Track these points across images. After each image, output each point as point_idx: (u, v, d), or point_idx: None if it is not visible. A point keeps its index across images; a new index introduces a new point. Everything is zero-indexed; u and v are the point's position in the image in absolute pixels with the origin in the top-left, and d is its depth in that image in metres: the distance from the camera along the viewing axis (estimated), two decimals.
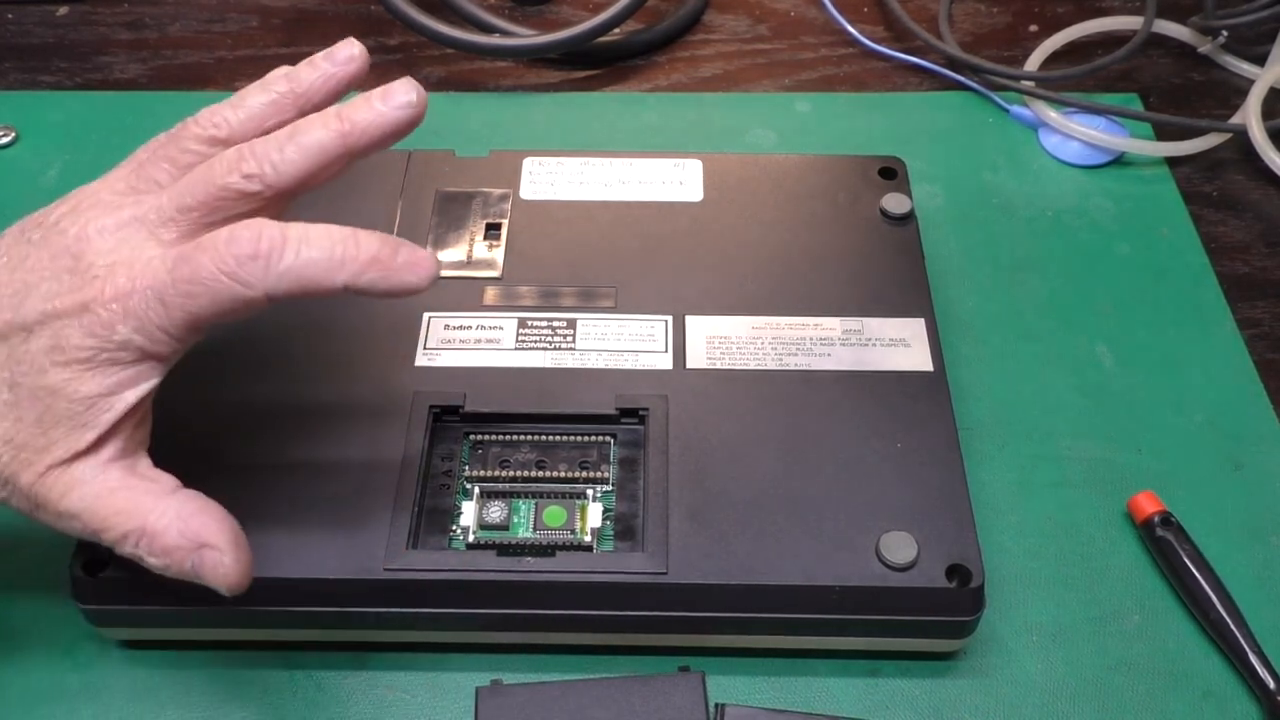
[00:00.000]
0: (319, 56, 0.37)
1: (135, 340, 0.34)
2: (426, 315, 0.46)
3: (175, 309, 0.34)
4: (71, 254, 0.35)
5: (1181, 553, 0.42)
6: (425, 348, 0.45)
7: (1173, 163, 0.59)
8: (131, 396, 0.34)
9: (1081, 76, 0.62)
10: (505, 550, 0.39)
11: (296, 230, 0.34)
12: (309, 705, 0.40)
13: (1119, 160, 0.59)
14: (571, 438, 0.42)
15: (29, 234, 0.37)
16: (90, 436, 0.34)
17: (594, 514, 0.40)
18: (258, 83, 0.37)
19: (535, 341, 0.45)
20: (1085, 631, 0.42)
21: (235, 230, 0.34)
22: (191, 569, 0.34)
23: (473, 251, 0.48)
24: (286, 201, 0.37)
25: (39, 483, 0.34)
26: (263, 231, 0.33)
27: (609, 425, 0.43)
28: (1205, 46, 0.64)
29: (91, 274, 0.34)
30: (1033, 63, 0.62)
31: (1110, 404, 0.49)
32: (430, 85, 0.64)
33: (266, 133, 0.36)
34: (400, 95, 0.36)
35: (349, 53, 0.37)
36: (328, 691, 0.40)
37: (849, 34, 0.65)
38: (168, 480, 0.36)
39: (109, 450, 0.35)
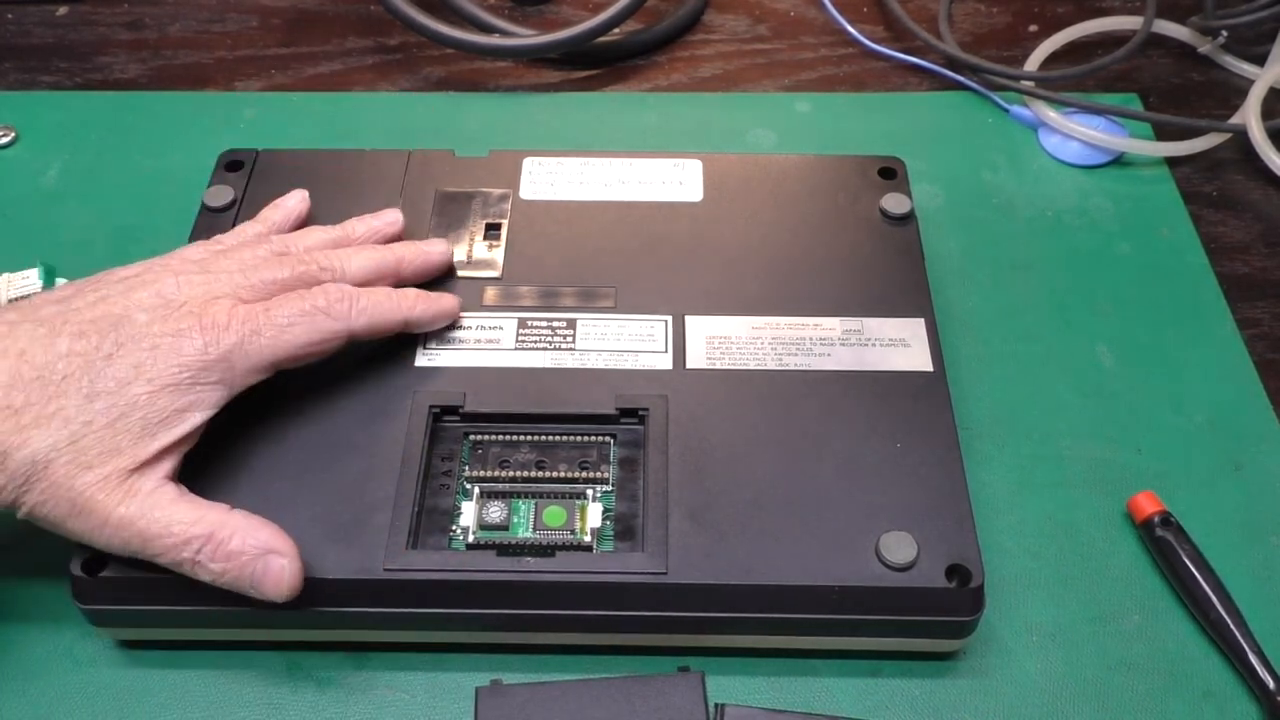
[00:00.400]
0: (367, 216, 0.47)
1: (219, 368, 0.38)
2: None
3: (268, 341, 0.39)
4: (160, 295, 0.39)
5: (1181, 553, 0.42)
6: (425, 348, 0.45)
7: (1172, 163, 0.59)
8: (199, 417, 0.38)
9: (1081, 76, 0.62)
10: (505, 550, 0.39)
11: (359, 289, 0.42)
12: (309, 705, 0.40)
13: (1119, 160, 0.59)
14: (571, 438, 0.42)
15: (103, 287, 0.40)
16: (155, 447, 0.37)
17: (594, 514, 0.40)
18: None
19: (535, 341, 0.45)
20: (1085, 631, 0.42)
21: (323, 284, 0.41)
22: (251, 576, 0.37)
23: (472, 251, 0.48)
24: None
25: (99, 485, 0.36)
26: (341, 285, 0.42)
27: (609, 425, 0.43)
28: (1205, 46, 0.64)
29: (186, 309, 0.39)
30: (1033, 63, 0.62)
31: (1110, 404, 0.49)
32: (430, 85, 0.64)
33: None
34: (437, 247, 0.47)
35: (392, 217, 0.47)
36: (328, 691, 0.40)
37: (849, 34, 0.65)
38: (219, 503, 0.38)
39: (166, 465, 0.38)
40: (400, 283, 0.45)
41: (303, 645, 0.41)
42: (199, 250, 0.43)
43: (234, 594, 0.38)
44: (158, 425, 0.37)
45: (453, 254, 0.47)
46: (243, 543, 0.37)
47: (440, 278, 0.47)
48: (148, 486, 0.37)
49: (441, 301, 0.44)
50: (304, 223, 0.48)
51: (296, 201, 0.48)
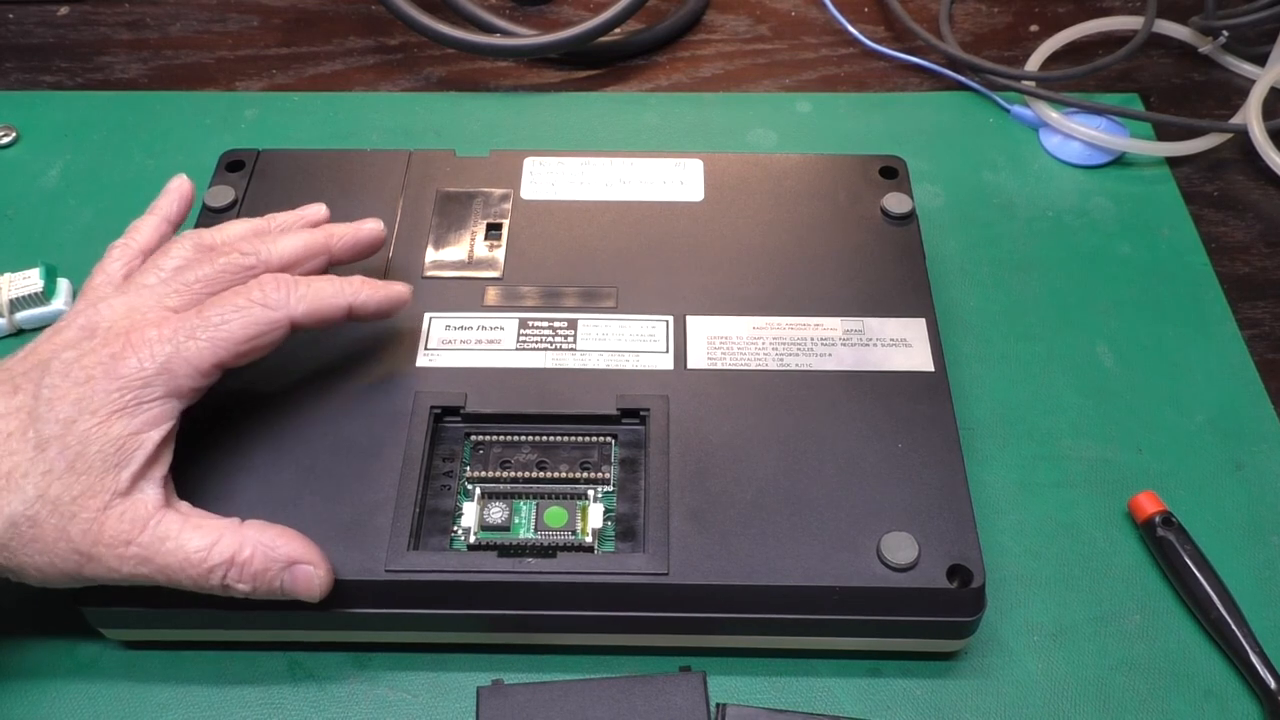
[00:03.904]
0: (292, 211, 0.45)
1: (161, 381, 0.37)
2: (427, 316, 0.46)
3: (205, 342, 0.37)
4: (85, 329, 0.38)
5: (1182, 552, 0.42)
6: (426, 348, 0.45)
7: (1173, 163, 0.59)
8: (156, 435, 0.37)
9: (1082, 76, 0.62)
10: (506, 551, 0.39)
11: (301, 276, 0.40)
12: (309, 705, 0.40)
13: (1119, 160, 0.59)
14: (572, 438, 0.42)
15: (33, 342, 0.39)
16: (126, 476, 0.36)
17: (595, 514, 0.40)
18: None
19: (536, 342, 0.45)
20: (1086, 631, 0.42)
21: (259, 277, 0.39)
22: (282, 588, 0.37)
23: (473, 251, 0.48)
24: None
25: (94, 531, 0.35)
26: (278, 275, 0.40)
27: (610, 426, 0.43)
28: (1206, 46, 0.64)
29: (113, 333, 0.38)
30: (1033, 63, 0.62)
31: (1110, 404, 0.49)
32: (430, 85, 0.64)
33: None
34: (369, 223, 0.44)
35: (316, 208, 0.45)
36: (328, 691, 0.40)
37: (849, 34, 0.65)
38: (226, 518, 0.37)
39: (152, 491, 0.36)
40: (333, 260, 0.43)
41: (304, 646, 0.41)
42: (118, 264, 0.41)
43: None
44: (118, 455, 0.36)
45: (383, 230, 0.44)
46: (266, 560, 0.36)
47: (441, 278, 0.47)
48: (145, 517, 0.36)
49: (390, 288, 0.42)
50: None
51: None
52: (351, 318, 0.41)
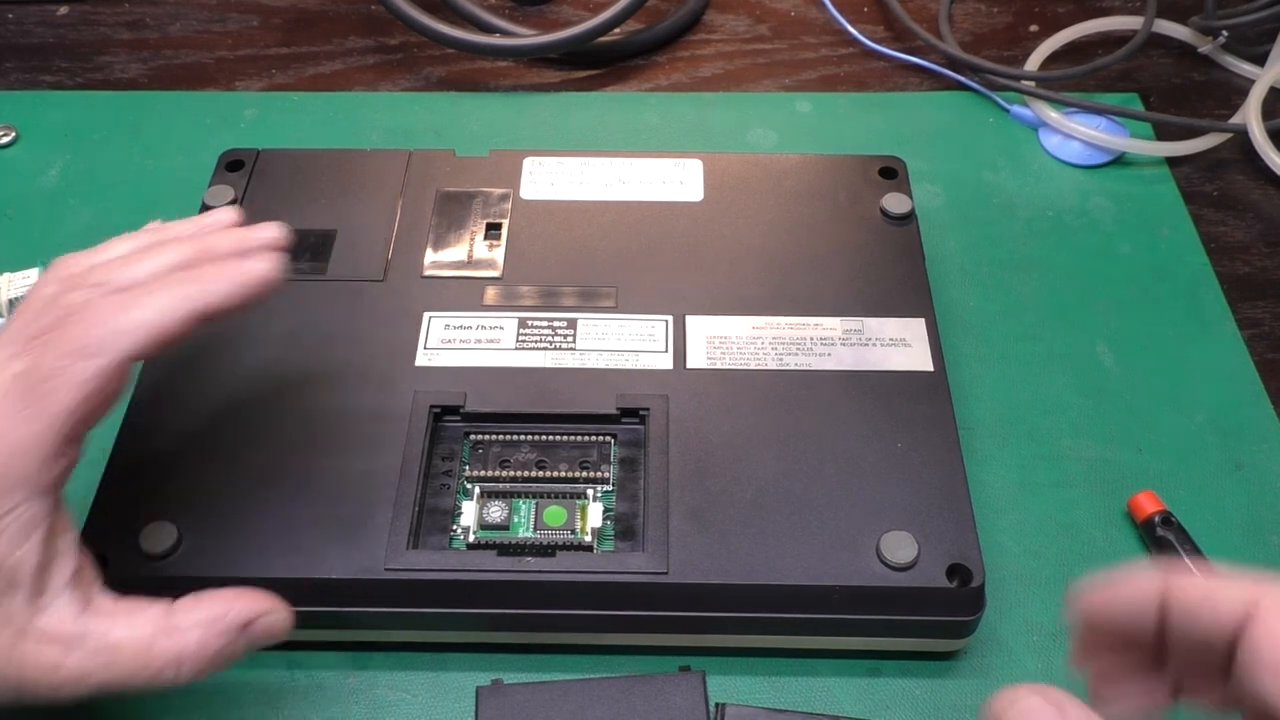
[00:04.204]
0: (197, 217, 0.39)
1: (5, 483, 0.31)
2: (427, 315, 0.46)
3: (38, 423, 0.31)
4: None
5: (1182, 552, 0.42)
6: (425, 347, 0.45)
7: (1173, 163, 0.59)
8: (32, 547, 0.31)
9: (1082, 76, 0.62)
10: (506, 550, 0.39)
11: (122, 296, 0.33)
12: (309, 705, 0.40)
13: (1119, 160, 0.59)
14: (572, 437, 0.42)
15: None
16: (20, 600, 0.31)
17: (594, 514, 0.40)
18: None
19: (535, 341, 0.45)
20: None
21: (65, 321, 0.33)
22: (245, 649, 0.34)
23: (473, 251, 0.48)
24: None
25: (17, 665, 0.31)
26: (88, 307, 0.33)
27: (609, 425, 0.43)
28: (1205, 46, 0.64)
29: None
30: (1033, 63, 0.62)
31: (1110, 404, 0.49)
32: (430, 85, 0.64)
33: None
34: (264, 228, 0.37)
35: (221, 215, 0.39)
36: (328, 691, 0.40)
37: (849, 34, 0.65)
38: (152, 603, 0.33)
39: (63, 604, 0.32)
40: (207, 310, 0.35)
41: (303, 645, 0.41)
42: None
43: None
44: None
45: (285, 237, 0.37)
46: (219, 637, 0.33)
47: (441, 278, 0.47)
48: (64, 637, 0.31)
49: (241, 268, 0.34)
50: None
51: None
52: (213, 320, 0.34)
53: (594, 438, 0.42)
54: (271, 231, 0.37)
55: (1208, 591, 0.25)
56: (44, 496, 0.32)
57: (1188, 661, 0.26)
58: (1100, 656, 0.28)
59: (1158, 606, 0.26)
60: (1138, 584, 0.26)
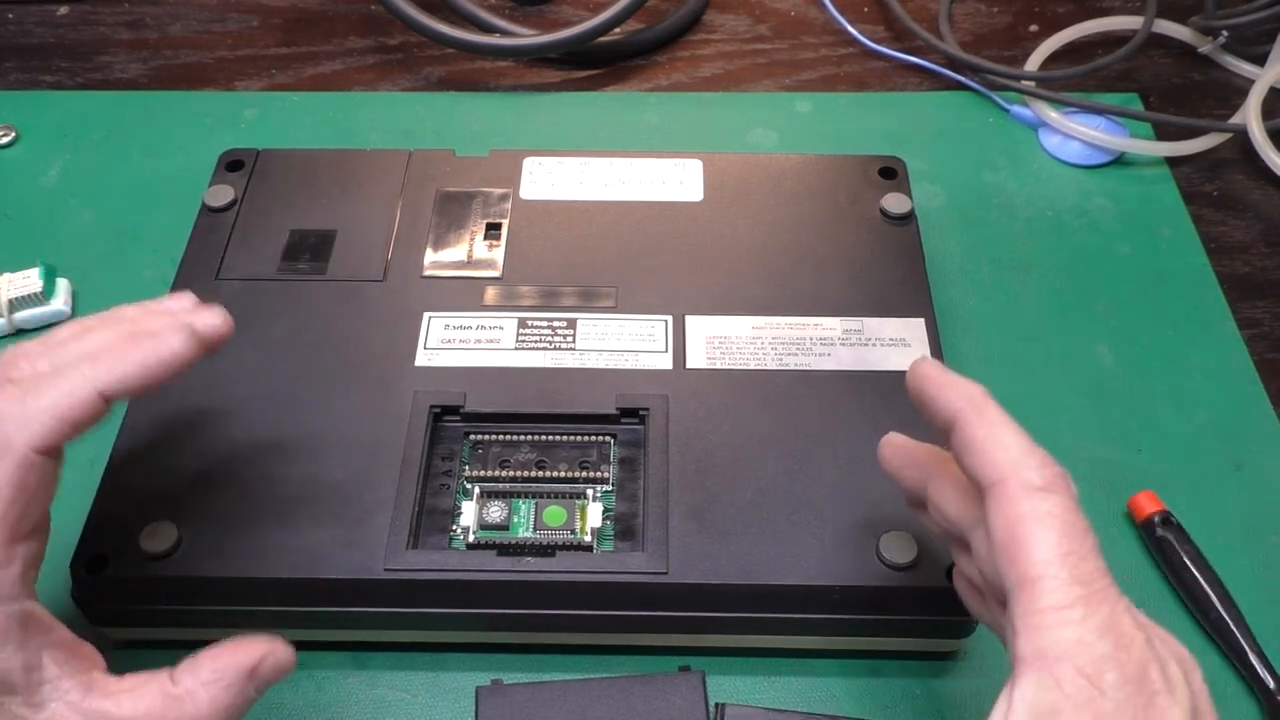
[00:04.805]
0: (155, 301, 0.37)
1: None
2: (426, 315, 0.46)
3: None
4: None
5: (1181, 553, 0.42)
6: (425, 347, 0.45)
7: (1173, 163, 0.59)
8: (12, 644, 0.31)
9: (1081, 76, 0.62)
10: (505, 550, 0.39)
11: (19, 388, 0.32)
12: (309, 705, 0.40)
13: (1119, 160, 0.59)
14: (571, 437, 0.42)
15: None
16: (17, 698, 0.31)
17: (594, 514, 0.40)
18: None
19: (535, 341, 0.45)
20: None
21: None
22: (257, 691, 0.33)
23: (473, 251, 0.48)
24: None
25: None
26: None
27: (609, 425, 0.43)
28: (1205, 46, 0.64)
29: None
30: (1033, 63, 0.62)
31: (1110, 404, 0.49)
32: (430, 85, 0.64)
33: None
34: (208, 315, 0.35)
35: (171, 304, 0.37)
36: (328, 691, 0.40)
37: (849, 34, 0.65)
38: (154, 675, 0.33)
39: (60, 690, 0.31)
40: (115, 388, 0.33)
41: (303, 645, 0.41)
42: None
43: (233, 594, 0.38)
44: None
45: (224, 322, 0.36)
46: (229, 693, 0.32)
47: (440, 278, 0.47)
48: (73, 718, 0.31)
49: (150, 346, 0.33)
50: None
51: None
52: (120, 399, 0.33)
53: (594, 438, 0.42)
54: (210, 318, 0.36)
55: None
56: (5, 603, 0.31)
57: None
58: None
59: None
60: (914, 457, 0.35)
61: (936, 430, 0.32)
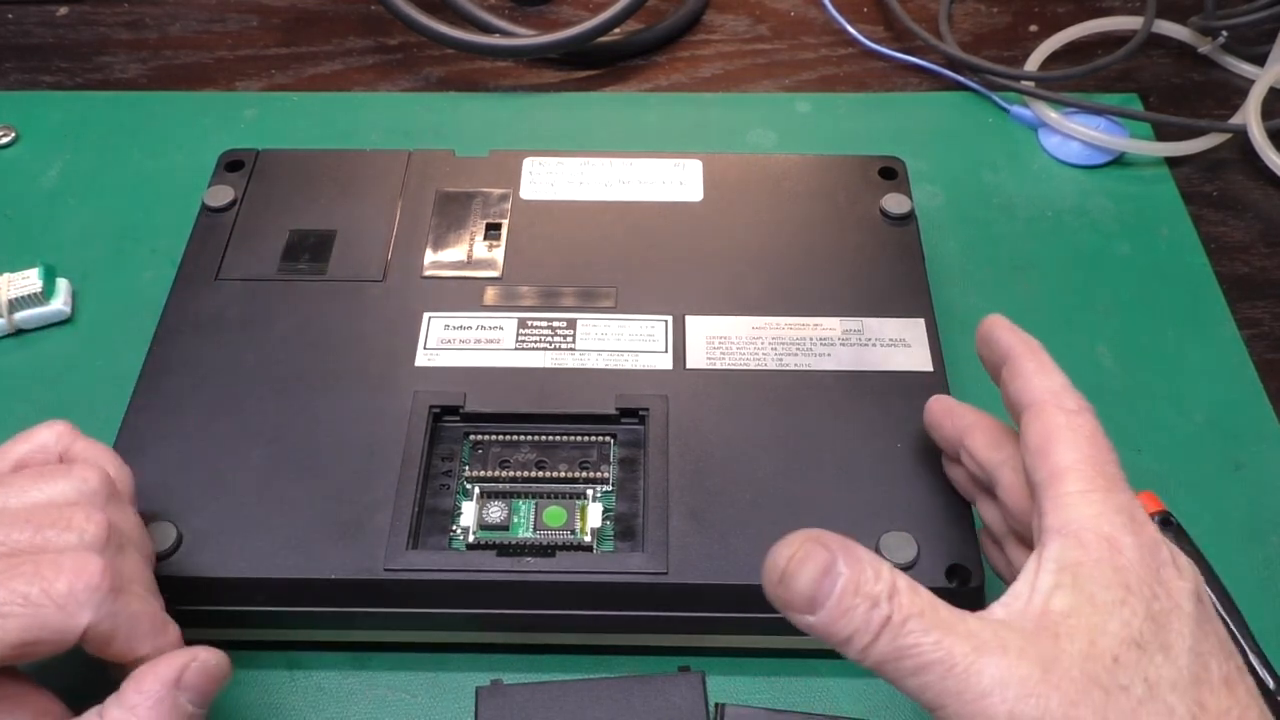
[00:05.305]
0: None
1: None
2: (426, 315, 0.46)
3: None
4: None
5: (1181, 552, 0.42)
6: (425, 348, 0.45)
7: (1173, 163, 0.59)
8: None
9: (1081, 76, 0.62)
10: (505, 550, 0.39)
11: None
12: (309, 705, 0.40)
13: (1119, 160, 0.59)
14: (571, 438, 0.42)
15: None
16: None
17: (594, 514, 0.40)
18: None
19: (535, 341, 0.45)
20: None
21: None
22: (191, 704, 0.32)
23: (473, 251, 0.48)
24: None
25: None
26: None
27: (609, 425, 0.43)
28: (1205, 46, 0.64)
29: None
30: (1033, 63, 0.62)
31: (1110, 404, 0.48)
32: (430, 85, 0.64)
33: None
34: None
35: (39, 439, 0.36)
36: (328, 691, 0.40)
37: (849, 34, 0.65)
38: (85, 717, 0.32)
39: None
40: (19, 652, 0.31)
41: (303, 645, 0.41)
42: None
43: (232, 594, 0.38)
44: None
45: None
46: (154, 711, 0.31)
47: (440, 278, 0.47)
48: None
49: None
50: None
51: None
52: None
53: (594, 438, 0.42)
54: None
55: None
56: None
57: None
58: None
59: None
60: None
61: (990, 368, 0.37)
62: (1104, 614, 0.29)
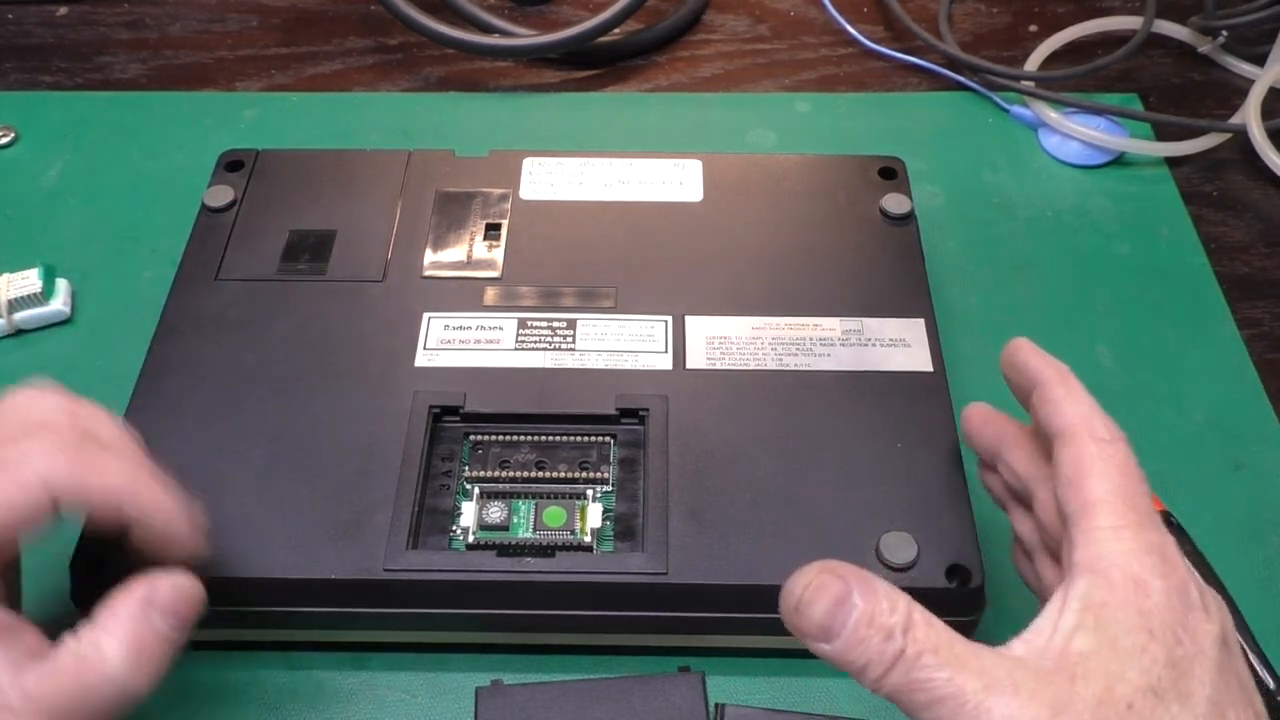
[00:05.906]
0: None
1: None
2: (426, 315, 0.46)
3: None
4: None
5: (1181, 553, 0.42)
6: (425, 348, 0.45)
7: (1173, 163, 0.59)
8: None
9: (1081, 76, 0.62)
10: (505, 550, 0.39)
11: None
12: (309, 706, 0.40)
13: (1119, 160, 0.59)
14: (571, 438, 0.42)
15: None
16: None
17: (594, 514, 0.40)
18: None
19: (535, 342, 0.45)
20: None
21: None
22: (166, 625, 0.33)
23: (472, 251, 0.48)
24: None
25: None
26: None
27: (609, 425, 0.43)
28: (1205, 46, 0.64)
29: None
30: (1033, 63, 0.62)
31: (1110, 404, 0.48)
32: (430, 85, 0.64)
33: None
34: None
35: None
36: (328, 691, 0.40)
37: (849, 34, 0.65)
38: (62, 647, 0.32)
39: None
40: None
41: (303, 645, 0.41)
42: None
43: (232, 594, 0.38)
44: None
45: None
46: (131, 634, 0.32)
47: (440, 278, 0.47)
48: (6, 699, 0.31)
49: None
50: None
51: None
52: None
53: (593, 438, 0.42)
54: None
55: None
56: None
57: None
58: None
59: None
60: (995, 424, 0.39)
61: (1018, 392, 0.37)
62: (1124, 659, 0.29)
